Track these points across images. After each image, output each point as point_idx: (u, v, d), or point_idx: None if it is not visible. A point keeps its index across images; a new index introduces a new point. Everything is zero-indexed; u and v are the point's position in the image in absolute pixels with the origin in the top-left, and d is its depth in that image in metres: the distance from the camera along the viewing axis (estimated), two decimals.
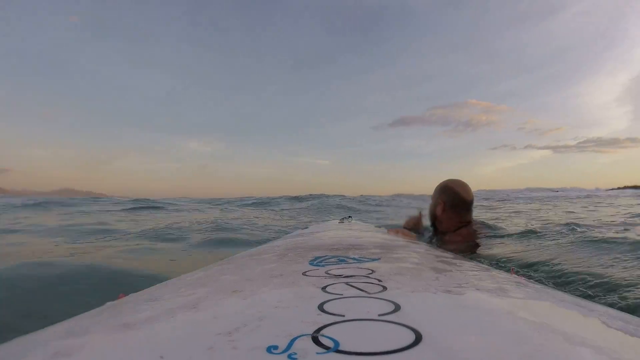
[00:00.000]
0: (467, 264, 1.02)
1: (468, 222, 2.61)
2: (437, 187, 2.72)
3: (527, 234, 2.76)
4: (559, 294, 0.73)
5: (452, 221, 2.57)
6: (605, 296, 1.47)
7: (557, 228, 3.16)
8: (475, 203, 2.63)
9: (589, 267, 1.89)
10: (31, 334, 0.59)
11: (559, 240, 2.60)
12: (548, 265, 1.94)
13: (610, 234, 2.70)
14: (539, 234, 2.81)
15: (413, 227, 2.82)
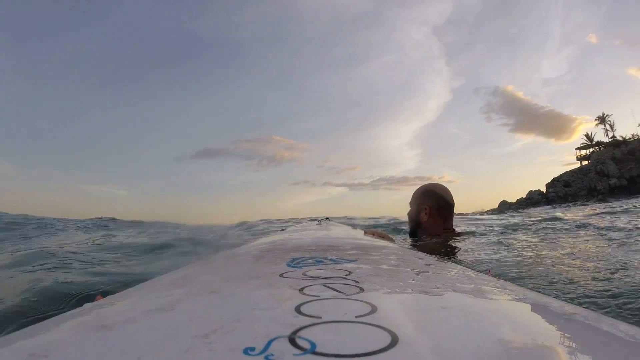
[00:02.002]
0: (445, 266, 1.03)
1: (452, 229, 2.59)
2: (416, 192, 2.66)
3: (503, 237, 2.79)
4: (536, 295, 0.74)
5: (437, 226, 2.53)
6: (580, 297, 1.51)
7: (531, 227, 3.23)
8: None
9: (568, 269, 1.94)
10: (7, 335, 0.58)
11: (532, 241, 2.66)
12: (525, 267, 1.98)
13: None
14: (513, 237, 2.86)
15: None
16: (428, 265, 1.01)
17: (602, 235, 3.35)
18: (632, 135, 52.76)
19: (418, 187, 2.75)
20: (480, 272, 1.06)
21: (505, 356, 0.42)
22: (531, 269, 1.95)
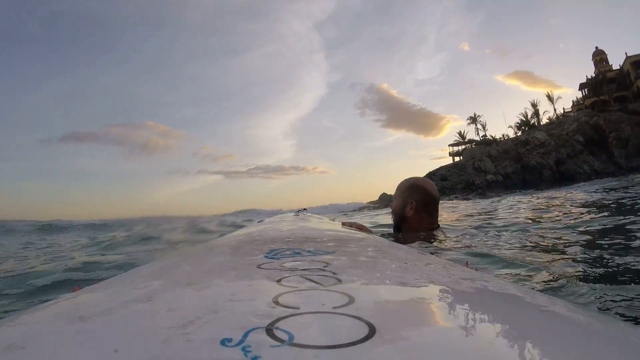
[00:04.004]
0: (422, 257, 1.04)
1: (437, 225, 2.55)
2: (402, 186, 2.61)
3: (484, 234, 2.83)
4: (514, 287, 0.75)
5: (423, 221, 2.49)
6: (561, 288, 1.55)
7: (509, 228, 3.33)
8: None
9: (541, 260, 1.99)
10: None
11: (510, 240, 2.71)
12: (504, 260, 2.02)
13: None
14: (494, 234, 2.90)
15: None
16: (406, 256, 1.02)
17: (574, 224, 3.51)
18: (503, 135, 58.98)
19: (403, 180, 2.70)
20: (458, 263, 1.07)
21: (482, 347, 0.43)
22: (512, 260, 1.98)
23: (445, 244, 2.26)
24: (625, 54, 48.71)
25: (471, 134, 62.24)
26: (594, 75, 52.13)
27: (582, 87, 53.20)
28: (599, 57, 52.26)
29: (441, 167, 53.06)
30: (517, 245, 2.49)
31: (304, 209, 3.06)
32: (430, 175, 50.30)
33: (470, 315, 0.56)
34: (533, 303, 0.65)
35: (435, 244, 2.25)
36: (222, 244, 1.31)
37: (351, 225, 2.09)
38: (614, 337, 0.54)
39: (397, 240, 2.38)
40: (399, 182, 2.71)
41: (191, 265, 0.94)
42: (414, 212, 2.49)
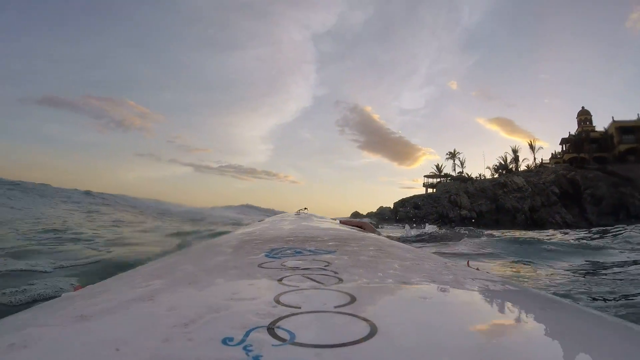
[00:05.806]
0: (424, 256, 1.04)
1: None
2: None
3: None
4: (514, 286, 0.75)
5: None
6: (565, 289, 1.55)
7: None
8: None
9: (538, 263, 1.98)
10: None
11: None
12: (503, 258, 2.02)
13: None
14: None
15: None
16: (407, 256, 1.02)
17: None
18: (479, 174, 59.15)
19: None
20: (460, 262, 1.07)
21: (483, 345, 0.43)
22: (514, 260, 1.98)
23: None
24: (612, 118, 49.14)
25: (448, 169, 62.09)
26: (576, 132, 52.70)
27: (563, 142, 54.01)
28: (584, 117, 52.89)
29: (415, 196, 54.13)
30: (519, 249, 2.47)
31: (305, 208, 3.05)
32: (404, 202, 51.68)
33: (472, 314, 0.56)
34: (535, 301, 0.65)
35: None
36: (224, 243, 1.31)
37: (351, 222, 2.08)
38: (621, 336, 0.54)
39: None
40: None
41: (192, 264, 0.94)
42: None
